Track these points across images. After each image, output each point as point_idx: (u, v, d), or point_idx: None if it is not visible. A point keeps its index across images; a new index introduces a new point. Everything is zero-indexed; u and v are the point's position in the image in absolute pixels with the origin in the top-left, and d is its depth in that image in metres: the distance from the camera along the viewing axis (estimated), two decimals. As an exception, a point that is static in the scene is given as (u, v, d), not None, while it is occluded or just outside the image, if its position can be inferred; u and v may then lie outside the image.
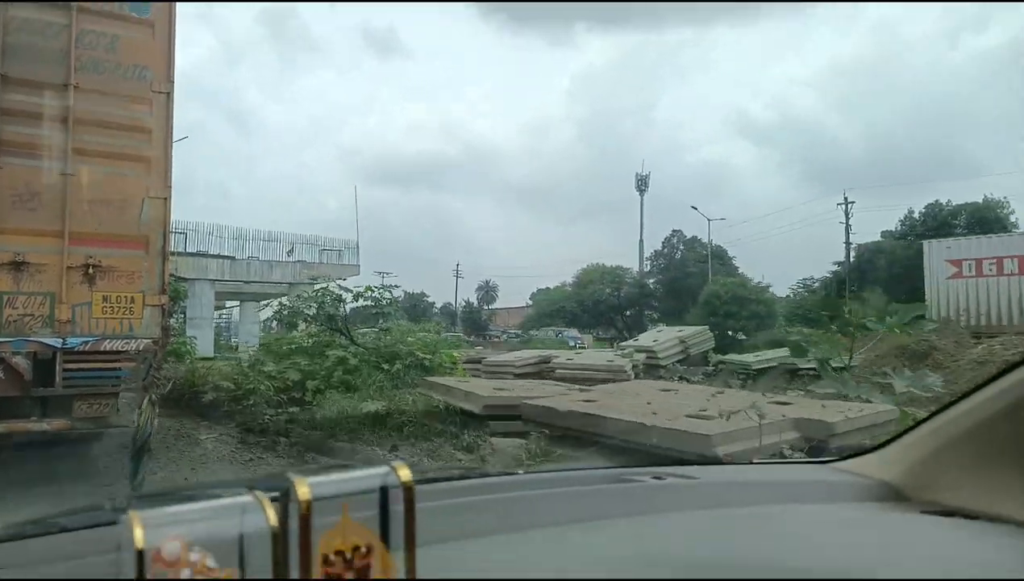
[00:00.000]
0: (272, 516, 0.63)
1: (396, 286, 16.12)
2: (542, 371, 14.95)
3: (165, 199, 5.42)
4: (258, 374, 9.58)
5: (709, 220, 48.72)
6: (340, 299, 13.88)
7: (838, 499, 1.36)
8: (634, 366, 14.58)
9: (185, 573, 0.58)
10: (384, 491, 0.69)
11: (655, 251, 54.67)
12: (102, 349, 5.06)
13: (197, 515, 0.65)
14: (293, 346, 11.50)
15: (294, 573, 0.62)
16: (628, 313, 51.73)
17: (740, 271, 48.03)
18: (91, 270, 5.06)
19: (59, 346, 4.91)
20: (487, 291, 72.11)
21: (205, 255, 28.06)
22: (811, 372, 12.78)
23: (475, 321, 61.45)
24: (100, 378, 5.09)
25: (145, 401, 5.17)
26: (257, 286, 31.07)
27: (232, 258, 29.36)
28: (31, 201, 4.95)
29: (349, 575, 0.65)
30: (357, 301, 14.09)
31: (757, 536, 1.12)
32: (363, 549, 0.66)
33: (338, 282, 15.83)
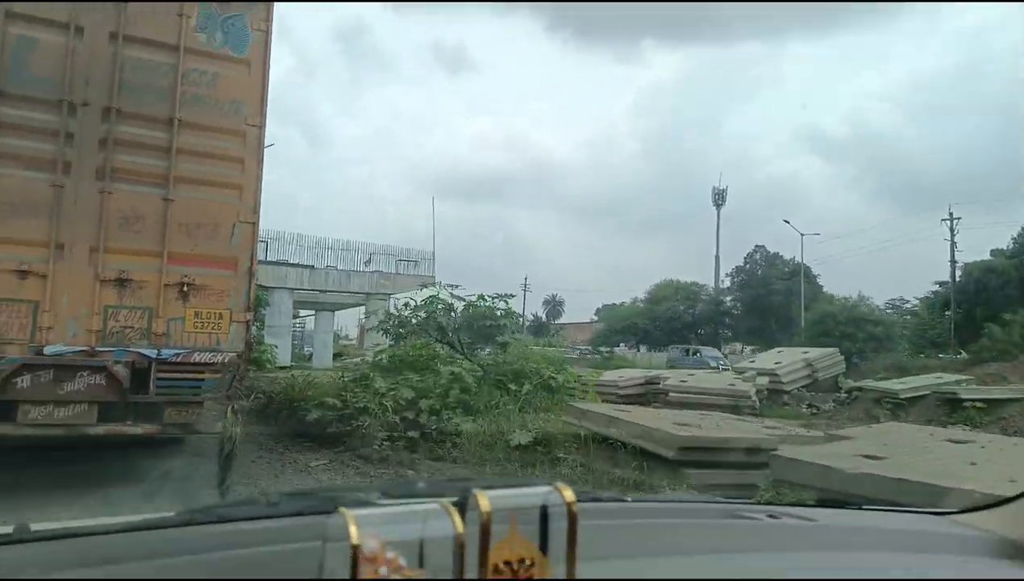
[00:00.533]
0: (459, 523, 0.68)
1: (461, 297, 14.24)
2: (648, 393, 13.96)
3: (253, 224, 5.84)
4: (367, 391, 8.72)
5: (802, 234, 45.08)
6: (452, 309, 12.90)
7: (958, 552, 1.32)
8: (757, 391, 13.50)
9: (383, 570, 0.64)
10: (545, 509, 0.74)
11: (736, 267, 52.80)
12: (192, 361, 5.48)
13: (390, 517, 0.70)
14: (399, 358, 10.48)
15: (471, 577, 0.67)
16: (702, 331, 50.17)
17: (825, 290, 46.00)
18: (185, 288, 5.50)
19: (154, 357, 5.34)
20: (554, 305, 71.27)
21: (285, 264, 28.25)
22: (977, 404, 12.07)
23: (543, 336, 62.84)
24: (189, 387, 5.50)
25: (228, 410, 5.55)
26: (334, 296, 31.05)
27: (311, 267, 29.44)
28: (136, 224, 5.44)
29: None
30: (468, 311, 13.04)
31: None
32: (528, 562, 0.71)
33: (450, 289, 14.57)
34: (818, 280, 47.82)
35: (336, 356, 33.44)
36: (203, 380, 5.54)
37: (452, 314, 12.64)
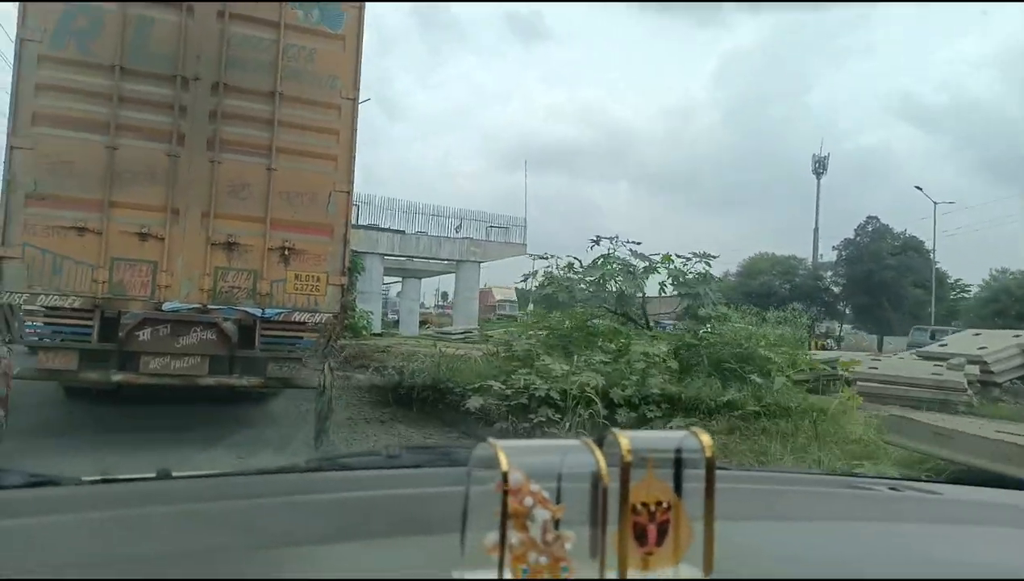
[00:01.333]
0: (601, 459, 0.67)
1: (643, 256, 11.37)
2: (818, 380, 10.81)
3: (348, 193, 6.15)
4: (537, 374, 7.09)
5: (936, 203, 40.39)
6: (631, 271, 10.62)
7: None
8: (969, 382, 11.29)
9: (528, 501, 0.65)
10: (681, 452, 0.73)
11: (845, 240, 47.38)
12: (293, 320, 5.86)
13: (534, 449, 0.72)
14: (552, 333, 8.57)
15: (609, 516, 0.67)
16: (799, 307, 47.82)
17: (939, 265, 42.37)
18: (286, 252, 5.86)
19: (259, 315, 5.74)
20: (635, 278, 69.64)
21: (376, 228, 27.57)
22: None
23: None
24: (290, 344, 5.90)
25: (325, 367, 5.92)
26: (423, 263, 30.46)
27: (402, 232, 28.87)
28: (242, 191, 5.82)
29: (652, 526, 0.70)
30: (647, 277, 10.75)
31: (1006, 563, 1.03)
32: (664, 504, 0.71)
33: (630, 246, 11.64)
34: (933, 256, 43.83)
35: (421, 324, 33.30)
36: (302, 338, 5.93)
37: (632, 277, 10.51)
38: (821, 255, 51.06)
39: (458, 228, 29.98)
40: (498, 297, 58.00)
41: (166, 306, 5.52)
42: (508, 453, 0.65)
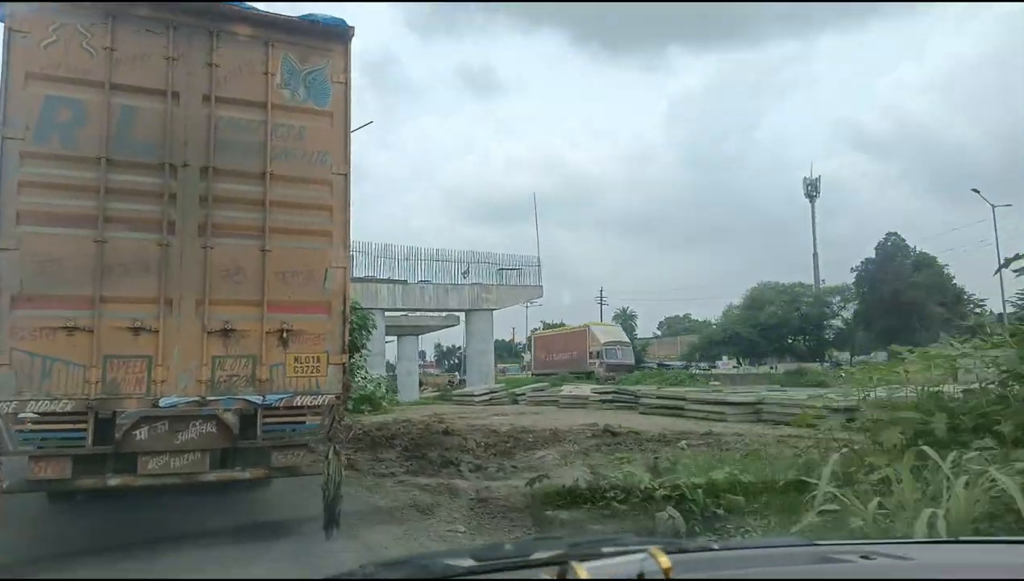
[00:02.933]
0: None
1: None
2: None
3: (344, 268, 6.02)
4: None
5: (993, 206, 37.84)
6: None
7: None
8: None
9: None
10: (642, 576, 0.74)
11: (865, 260, 44.85)
12: (295, 404, 5.65)
13: None
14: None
15: None
16: (808, 339, 45.04)
17: (955, 282, 40.85)
18: (285, 334, 5.69)
19: (260, 403, 5.53)
20: (625, 319, 65.76)
21: (375, 280, 25.20)
22: None
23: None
24: (293, 431, 5.67)
25: (330, 451, 5.69)
26: (417, 317, 27.54)
27: (404, 282, 26.21)
28: (237, 275, 5.66)
29: None
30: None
31: None
32: None
33: None
34: (946, 270, 42.33)
35: (420, 387, 30.52)
36: (305, 423, 5.70)
37: None
38: (823, 280, 50.21)
39: (465, 273, 27.47)
40: (603, 339, 45.63)
41: (163, 402, 5.29)
42: None
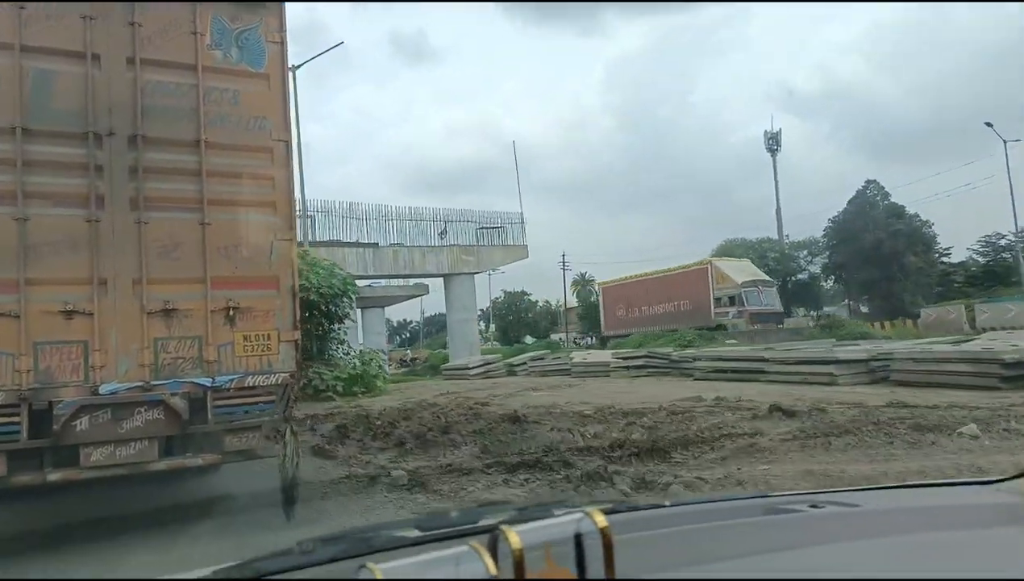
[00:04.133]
0: (491, 565, 0.68)
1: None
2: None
3: (291, 240, 5.74)
4: None
5: (1005, 141, 35.36)
6: None
7: (1008, 523, 1.28)
8: None
9: None
10: (579, 537, 0.73)
11: (837, 214, 42.86)
12: (246, 385, 5.39)
13: (423, 566, 0.72)
14: None
15: None
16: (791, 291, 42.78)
17: (930, 231, 39.01)
18: (231, 312, 5.40)
19: (209, 385, 5.25)
20: (584, 284, 62.64)
21: (340, 244, 22.15)
22: None
23: (594, 319, 51.04)
24: (246, 412, 5.41)
25: (287, 432, 5.48)
26: (389, 285, 24.79)
27: (375, 246, 23.29)
28: (175, 251, 5.32)
29: None
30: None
31: (929, 569, 1.03)
32: None
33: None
34: (918, 218, 40.49)
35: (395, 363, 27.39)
36: (259, 404, 5.46)
37: None
38: (787, 235, 49.12)
39: (443, 234, 24.77)
40: (740, 279, 35.15)
41: (103, 389, 4.95)
42: (392, 572, 0.65)
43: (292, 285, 5.69)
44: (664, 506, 1.52)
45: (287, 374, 5.54)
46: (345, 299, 15.51)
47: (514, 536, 0.68)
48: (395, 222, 23.56)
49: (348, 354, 16.89)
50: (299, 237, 20.12)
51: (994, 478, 1.54)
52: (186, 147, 5.45)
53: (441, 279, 25.93)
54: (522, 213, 25.92)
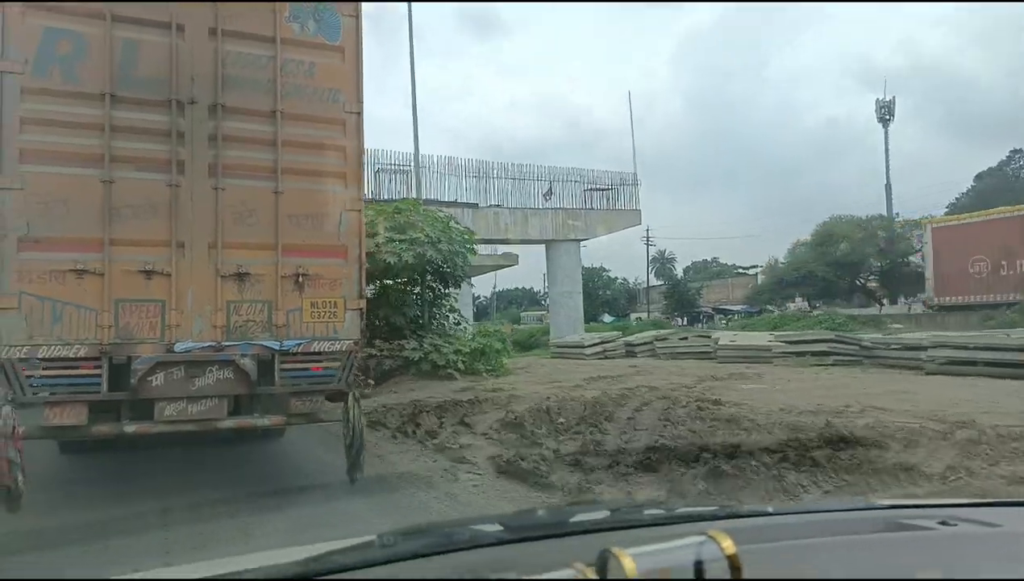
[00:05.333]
0: None
1: None
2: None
3: (359, 211, 5.83)
4: None
5: None
6: None
7: None
8: None
9: None
10: (701, 565, 0.63)
11: (977, 176, 37.67)
12: (312, 350, 5.52)
13: None
14: None
15: None
16: (887, 276, 38.69)
17: None
18: (300, 278, 5.52)
19: (277, 348, 5.39)
20: (663, 263, 60.06)
21: (438, 203, 19.66)
22: None
23: (682, 299, 47.01)
24: (310, 377, 5.54)
25: (350, 398, 5.58)
26: (488, 256, 21.27)
27: (474, 206, 20.73)
28: (249, 218, 5.47)
29: None
30: None
31: None
32: None
33: None
34: None
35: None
36: (323, 369, 5.58)
37: None
38: (897, 214, 44.32)
39: (547, 194, 21.43)
40: None
41: (178, 347, 5.15)
42: None
43: (359, 254, 5.78)
44: (769, 513, 1.41)
45: (351, 341, 5.64)
46: (462, 258, 13.11)
47: (628, 561, 0.60)
48: (494, 181, 20.25)
49: (459, 324, 14.58)
50: (412, 192, 19.36)
51: None
52: (263, 117, 5.59)
53: (537, 248, 22.55)
54: (636, 173, 21.91)
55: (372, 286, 12.14)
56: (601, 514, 1.20)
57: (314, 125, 5.75)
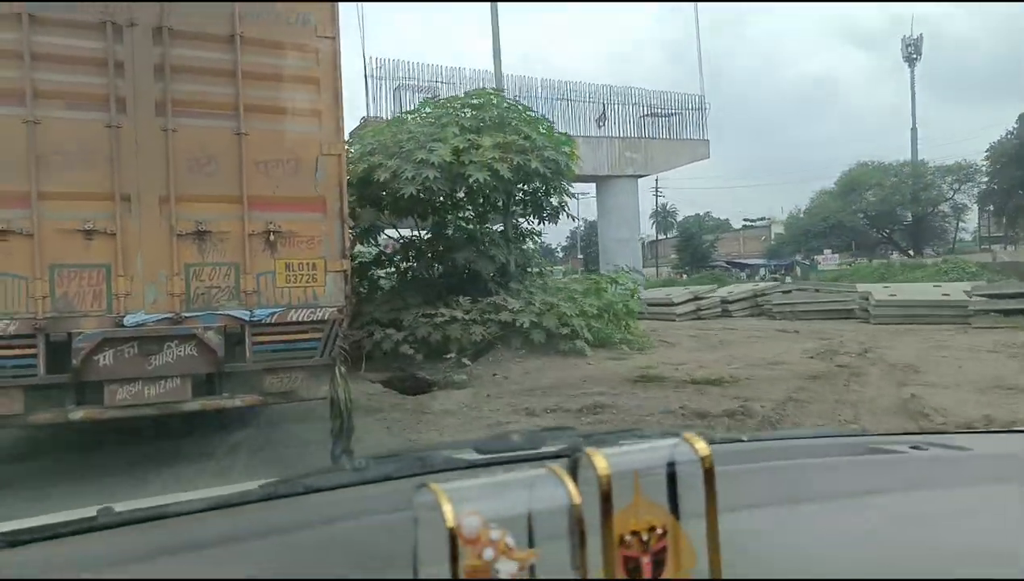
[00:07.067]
0: (574, 492, 0.58)
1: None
2: None
3: (339, 155, 4.99)
4: None
5: None
6: None
7: None
8: None
9: (488, 552, 0.54)
10: (673, 466, 0.64)
11: (1007, 132, 34.85)
12: (288, 320, 4.75)
13: (491, 489, 0.60)
14: None
15: (592, 553, 0.57)
16: (932, 222, 37.01)
17: None
18: (272, 236, 4.72)
19: (248, 318, 4.62)
20: (665, 216, 57.42)
21: None
22: None
23: (695, 252, 43.99)
24: (288, 350, 4.80)
25: (336, 374, 4.86)
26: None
27: None
28: (208, 165, 4.62)
29: (646, 559, 0.60)
30: None
31: None
32: (659, 530, 0.62)
33: None
34: None
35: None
36: (303, 341, 4.83)
37: None
38: (923, 160, 41.89)
39: (600, 120, 17.45)
40: None
41: (128, 320, 4.36)
42: (455, 498, 0.55)
43: (340, 207, 4.96)
44: (760, 439, 1.42)
45: (334, 309, 4.88)
46: (560, 182, 9.73)
47: (600, 459, 0.58)
48: (538, 101, 15.65)
49: (552, 272, 11.21)
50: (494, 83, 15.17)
51: None
52: (218, 42, 4.69)
53: (587, 185, 18.05)
54: (703, 96, 17.53)
55: (425, 221, 9.78)
56: (575, 438, 1.20)
57: (281, 53, 4.86)
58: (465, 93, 10.14)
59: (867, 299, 14.53)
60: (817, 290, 17.42)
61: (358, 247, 9.65)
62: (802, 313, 15.83)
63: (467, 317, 8.61)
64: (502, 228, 10.11)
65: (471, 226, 10.05)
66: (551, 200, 9.96)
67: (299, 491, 1.03)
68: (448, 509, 0.54)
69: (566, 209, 10.38)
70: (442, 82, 15.01)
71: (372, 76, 15.49)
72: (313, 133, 4.90)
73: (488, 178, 8.49)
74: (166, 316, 4.44)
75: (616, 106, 16.51)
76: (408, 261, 10.26)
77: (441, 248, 9.91)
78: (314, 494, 1.02)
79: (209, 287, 4.58)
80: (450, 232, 9.97)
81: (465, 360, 8.16)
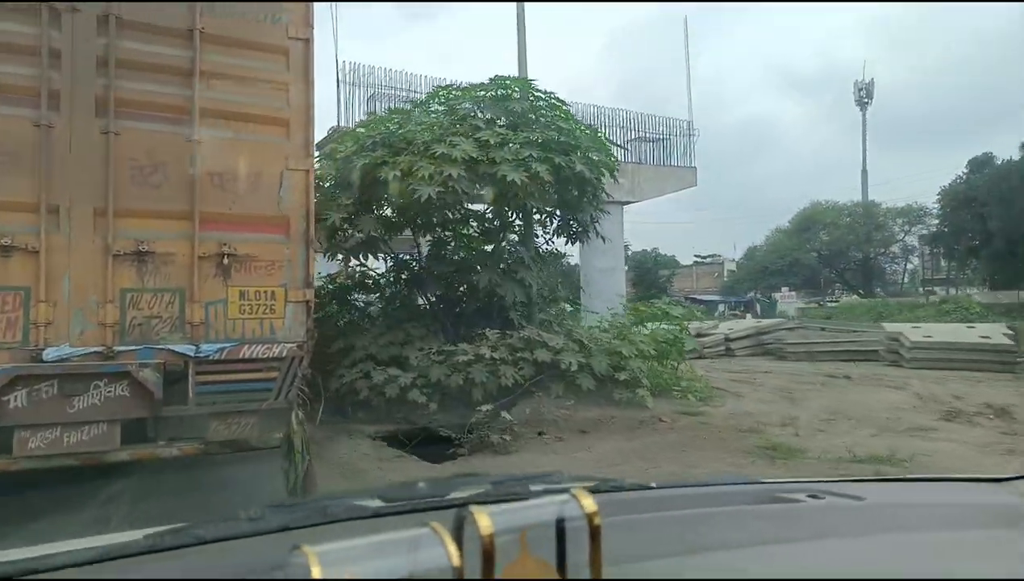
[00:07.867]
0: (455, 556, 0.57)
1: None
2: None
3: (307, 170, 4.42)
4: None
5: None
6: None
7: (1014, 526, 1.21)
8: None
9: None
10: (562, 523, 0.64)
11: (972, 161, 33.57)
12: (240, 356, 4.13)
13: (371, 549, 0.58)
14: None
15: None
16: (885, 265, 37.91)
17: None
18: (225, 260, 4.11)
19: (192, 354, 3.98)
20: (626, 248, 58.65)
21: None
22: None
23: (651, 287, 43.50)
24: (239, 391, 4.16)
25: (293, 419, 4.24)
26: None
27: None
28: (154, 175, 4.00)
29: None
30: None
31: (930, 569, 0.96)
32: None
33: None
34: None
35: None
36: (256, 381, 4.20)
37: None
38: (873, 201, 42.88)
39: None
40: None
41: (48, 354, 3.68)
42: (331, 559, 0.54)
43: (306, 230, 4.38)
44: (652, 488, 1.42)
45: (294, 345, 4.27)
46: (597, 186, 8.32)
47: (484, 518, 0.58)
48: None
49: (559, 304, 9.46)
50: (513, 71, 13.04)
51: (1004, 476, 1.45)
52: (174, 37, 4.10)
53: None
54: (691, 121, 17.05)
55: (428, 236, 8.27)
56: (482, 487, 1.16)
57: (246, 52, 4.29)
58: (490, 80, 8.42)
59: (897, 340, 13.42)
60: (823, 329, 16.70)
61: (352, 263, 8.35)
62: (819, 354, 14.66)
63: (495, 355, 7.06)
64: (521, 245, 8.53)
65: (494, 241, 8.51)
66: (580, 215, 8.55)
67: (187, 542, 0.95)
68: (316, 572, 0.53)
69: (598, 226, 8.90)
70: (422, 92, 13.97)
71: (344, 81, 14.48)
72: (278, 145, 4.33)
73: (525, 180, 7.06)
74: (95, 350, 3.78)
75: (604, 129, 15.23)
76: (399, 284, 8.68)
77: (453, 269, 8.35)
78: (202, 546, 0.94)
79: (148, 317, 3.93)
80: (452, 247, 8.52)
81: (505, 414, 6.40)
